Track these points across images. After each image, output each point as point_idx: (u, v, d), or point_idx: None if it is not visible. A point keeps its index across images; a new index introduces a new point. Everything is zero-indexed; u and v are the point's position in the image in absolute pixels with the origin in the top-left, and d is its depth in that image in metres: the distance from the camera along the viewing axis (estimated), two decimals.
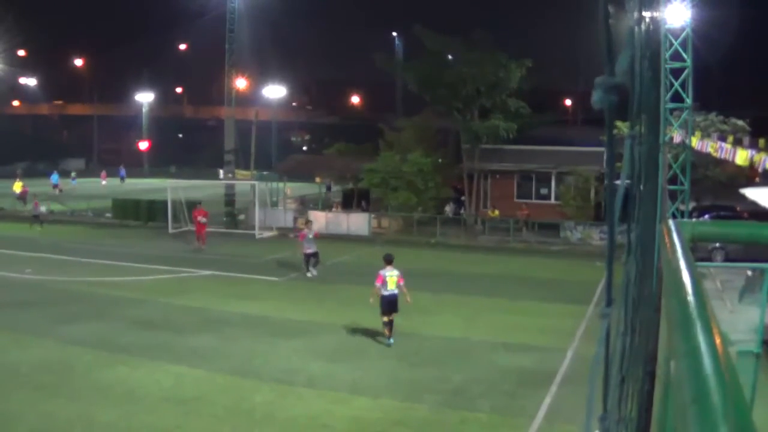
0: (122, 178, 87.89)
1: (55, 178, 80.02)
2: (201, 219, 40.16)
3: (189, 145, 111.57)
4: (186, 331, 22.87)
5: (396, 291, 20.91)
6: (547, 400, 16.54)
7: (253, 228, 46.02)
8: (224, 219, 50.34)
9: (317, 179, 58.38)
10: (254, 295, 28.59)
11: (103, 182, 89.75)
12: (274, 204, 50.09)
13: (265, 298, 27.91)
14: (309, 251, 31.51)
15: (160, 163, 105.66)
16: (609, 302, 2.55)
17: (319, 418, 15.63)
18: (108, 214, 55.36)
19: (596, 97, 2.07)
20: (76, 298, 27.70)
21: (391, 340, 20.83)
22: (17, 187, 64.32)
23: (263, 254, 38.83)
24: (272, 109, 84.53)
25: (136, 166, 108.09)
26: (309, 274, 31.29)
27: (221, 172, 60.42)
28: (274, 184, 53.70)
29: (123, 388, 17.62)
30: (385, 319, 20.97)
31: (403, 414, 15.98)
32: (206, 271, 33.11)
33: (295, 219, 48.15)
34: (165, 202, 48.83)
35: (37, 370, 18.97)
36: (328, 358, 20.02)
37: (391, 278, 20.97)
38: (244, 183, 54.18)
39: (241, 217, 50.28)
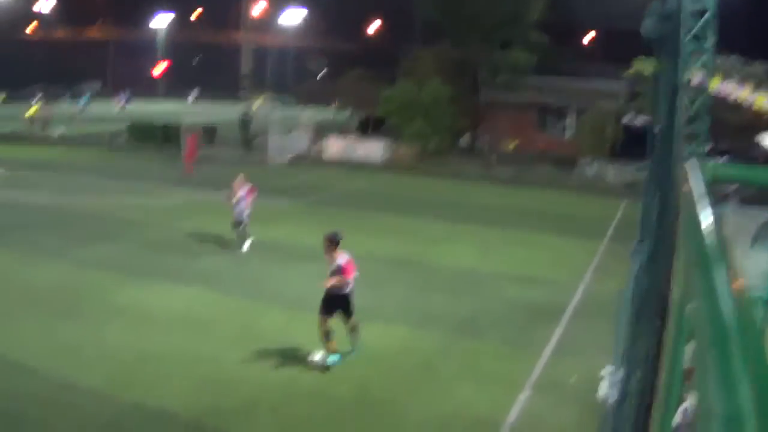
0: (125, 105, 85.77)
1: (83, 100, 79.85)
2: (193, 147, 40.21)
3: (206, 69, 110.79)
4: (198, 255, 22.94)
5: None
6: (557, 334, 16.57)
7: (269, 153, 45.91)
8: (241, 144, 50.24)
9: (334, 105, 58.15)
10: (267, 219, 28.31)
11: (118, 106, 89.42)
12: (290, 130, 49.93)
13: (279, 223, 27.97)
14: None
15: (176, 87, 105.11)
16: (642, 238, 2.57)
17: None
18: (123, 138, 55.47)
19: (648, 25, 2.06)
20: (89, 220, 27.78)
21: (337, 357, 14.51)
22: (33, 111, 64.11)
23: (278, 179, 38.63)
24: (290, 35, 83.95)
25: (152, 90, 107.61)
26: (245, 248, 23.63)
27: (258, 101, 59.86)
28: (292, 109, 53.40)
29: (135, 310, 17.72)
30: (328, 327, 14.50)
31: (413, 342, 16.06)
32: (221, 196, 33.07)
33: (311, 144, 48.04)
34: (180, 127, 48.69)
35: (49, 292, 19.08)
36: None
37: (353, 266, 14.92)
38: (261, 107, 54.06)
39: (257, 141, 50.13)
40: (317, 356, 14.21)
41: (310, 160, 45.44)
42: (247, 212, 23.43)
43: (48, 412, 12.49)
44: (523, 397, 13.21)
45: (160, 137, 51.16)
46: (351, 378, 14.05)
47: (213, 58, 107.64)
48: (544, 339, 16.18)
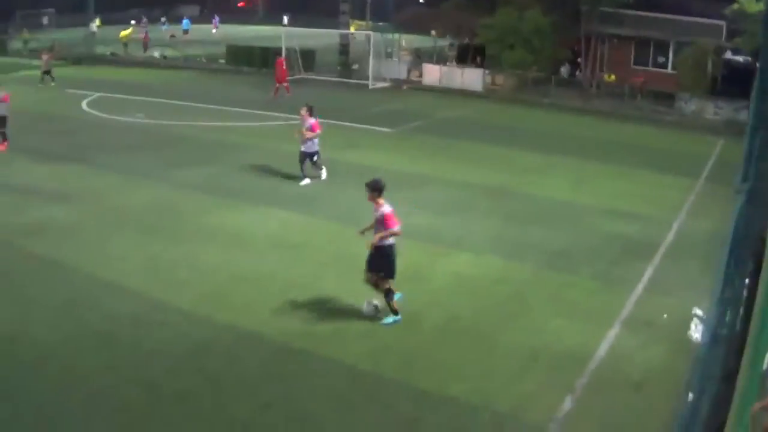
0: (185, 31, 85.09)
1: (184, 24, 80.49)
2: (282, 70, 40.46)
3: None
4: (293, 178, 23.09)
5: None
6: (648, 271, 16.38)
7: (367, 78, 45.82)
8: (338, 68, 50.10)
9: (433, 32, 57.67)
10: (364, 144, 28.74)
11: (214, 30, 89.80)
12: (389, 55, 49.73)
13: (375, 149, 28.04)
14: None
15: (274, 10, 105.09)
16: (744, 177, 2.61)
17: (420, 270, 15.85)
18: (221, 61, 55.97)
19: None
20: (186, 143, 28.34)
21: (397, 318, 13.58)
22: (126, 34, 65.02)
23: (376, 105, 38.71)
24: None
25: (249, 14, 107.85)
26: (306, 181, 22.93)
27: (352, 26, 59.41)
28: (389, 35, 53.17)
29: (229, 231, 18.13)
30: (387, 284, 13.50)
31: (505, 272, 16.07)
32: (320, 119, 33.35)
33: (409, 71, 47.90)
34: (279, 50, 48.85)
35: (144, 212, 19.65)
36: (435, 211, 20.11)
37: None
38: (359, 33, 53.93)
39: (355, 66, 50.10)
40: (372, 303, 13.59)
41: (408, 86, 45.23)
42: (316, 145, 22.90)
43: (140, 332, 12.94)
44: (612, 333, 13.17)
45: (258, 60, 51.63)
46: (442, 306, 14.19)
47: None
48: (636, 275, 16.02)
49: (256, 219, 19.07)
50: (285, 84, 40.07)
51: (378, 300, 13.59)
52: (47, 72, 43.99)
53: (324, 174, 23.19)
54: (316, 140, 22.67)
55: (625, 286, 15.48)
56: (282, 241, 17.52)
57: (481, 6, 49.93)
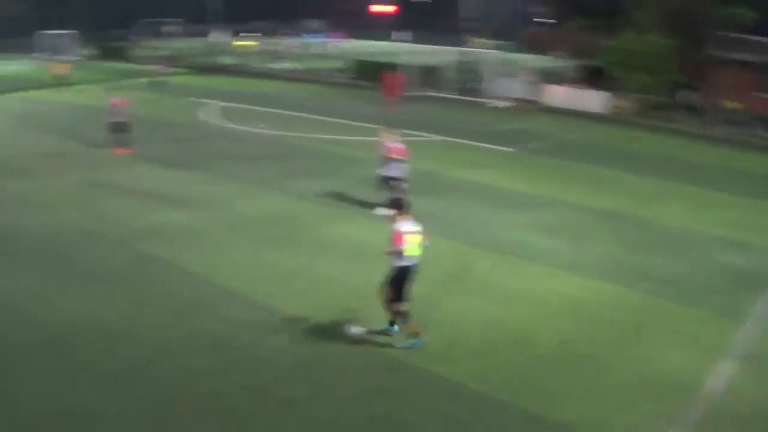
0: (313, 43, 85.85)
1: (311, 36, 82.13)
2: (394, 85, 41.00)
3: (426, 10, 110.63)
4: (413, 194, 22.75)
5: (419, 257, 13.32)
6: (764, 305, 16.08)
7: (488, 97, 45.91)
8: (459, 86, 50.28)
9: (553, 53, 57.50)
10: (484, 163, 28.78)
11: (339, 43, 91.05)
12: (510, 75, 49.74)
13: (495, 168, 28.05)
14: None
15: (398, 26, 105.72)
16: None
17: (535, 292, 15.96)
18: (342, 74, 56.91)
19: None
20: (306, 154, 28.99)
21: (419, 340, 13.36)
22: (244, 44, 66.83)
23: (496, 124, 38.77)
24: None
25: (371, 27, 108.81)
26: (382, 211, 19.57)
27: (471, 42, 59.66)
28: (511, 55, 53.08)
29: (346, 244, 18.52)
30: (399, 307, 13.26)
31: (618, 298, 16.02)
32: (438, 136, 33.73)
33: (530, 91, 47.72)
34: (394, 65, 49.23)
35: (263, 221, 20.24)
36: (551, 233, 20.14)
37: (414, 237, 13.16)
38: (481, 51, 54.11)
39: (477, 85, 50.07)
40: (354, 329, 13.57)
41: (528, 106, 45.13)
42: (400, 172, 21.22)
43: (253, 338, 13.38)
44: (723, 366, 13.02)
45: (380, 75, 52.21)
46: (554, 329, 14.27)
47: (433, 0, 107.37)
48: (751, 308, 15.79)
49: (373, 233, 19.01)
50: (394, 99, 40.70)
51: (360, 329, 13.60)
52: (157, 80, 45.76)
53: (381, 212, 19.60)
54: (398, 164, 21.27)
55: (738, 318, 15.28)
56: None
57: (603, 28, 49.66)
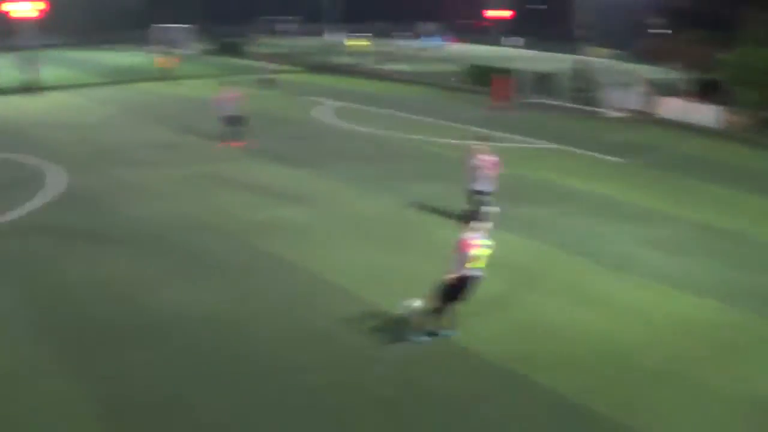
0: (427, 45, 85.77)
1: (429, 39, 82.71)
2: (502, 90, 41.25)
3: (541, 16, 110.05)
4: (524, 202, 23.44)
5: (481, 272, 13.44)
6: None
7: (602, 106, 45.64)
8: (573, 95, 50.02)
9: (669, 65, 56.76)
10: (594, 173, 28.68)
11: (453, 46, 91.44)
12: (625, 85, 49.36)
13: (606, 179, 27.89)
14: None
15: (512, 32, 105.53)
16: None
17: (642, 307, 15.91)
18: (457, 77, 57.22)
19: None
20: (417, 156, 29.52)
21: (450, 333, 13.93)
22: (355, 44, 67.90)
23: (609, 134, 38.53)
24: None
25: (489, 33, 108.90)
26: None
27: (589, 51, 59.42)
28: (626, 65, 52.60)
29: (429, 247, 18.62)
30: (440, 304, 13.53)
31: (727, 318, 15.82)
32: (551, 144, 33.76)
33: (644, 102, 47.21)
34: (516, 72, 49.77)
35: (373, 222, 20.81)
36: (660, 248, 19.91)
37: (483, 251, 13.30)
38: (597, 60, 53.86)
39: (593, 94, 49.65)
40: (408, 303, 14.07)
41: (643, 117, 44.54)
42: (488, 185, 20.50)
43: (356, 336, 13.81)
44: None
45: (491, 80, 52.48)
46: (662, 346, 14.26)
47: (548, 7, 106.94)
48: None
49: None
50: (502, 104, 40.90)
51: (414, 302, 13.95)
52: (267, 77, 47.00)
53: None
54: (487, 177, 20.48)
55: None
56: (508, 263, 17.39)
57: (719, 40, 48.84)
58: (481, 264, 13.21)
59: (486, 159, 20.52)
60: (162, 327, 14.19)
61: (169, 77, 51.45)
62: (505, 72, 50.10)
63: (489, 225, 13.83)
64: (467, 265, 13.06)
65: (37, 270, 17.17)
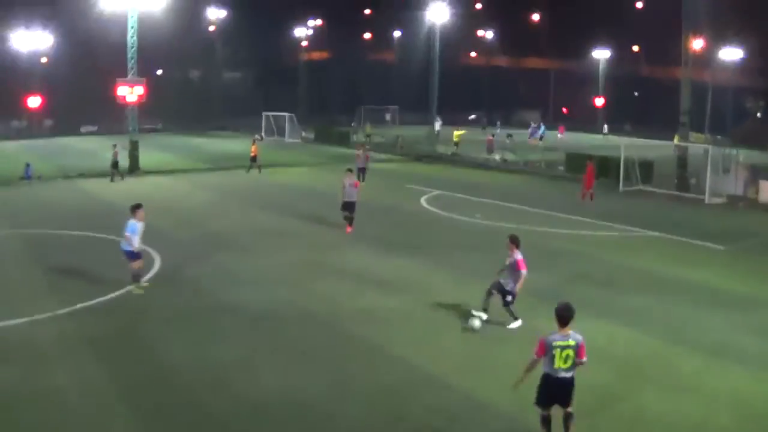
0: (540, 137, 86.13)
1: (536, 129, 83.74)
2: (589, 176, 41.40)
3: (644, 104, 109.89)
4: (624, 290, 23.20)
5: (572, 374, 12.34)
6: None
7: (704, 193, 45.18)
8: (675, 181, 49.75)
9: None
10: (694, 260, 28.25)
11: (560, 135, 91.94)
12: (726, 170, 49.11)
13: (708, 265, 27.42)
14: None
15: (614, 120, 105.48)
16: None
17: (742, 396, 15.51)
18: (561, 167, 57.73)
19: None
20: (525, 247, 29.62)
21: None
22: (457, 135, 69.30)
23: (711, 220, 38.19)
24: (728, 72, 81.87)
25: (589, 122, 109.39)
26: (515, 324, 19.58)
27: (675, 138, 59.43)
28: (727, 150, 52.24)
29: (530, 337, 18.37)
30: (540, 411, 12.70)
31: None
32: (653, 232, 33.47)
33: (745, 187, 46.49)
34: (617, 160, 49.72)
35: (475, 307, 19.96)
36: (762, 335, 19.39)
37: (565, 352, 12.18)
38: (697, 146, 53.54)
39: (693, 181, 49.48)
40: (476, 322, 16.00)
41: (742, 203, 44.17)
42: (511, 284, 19.41)
43: (456, 429, 13.60)
44: None
45: (597, 170, 52.41)
46: None
47: (650, 93, 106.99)
48: None
49: (585, 330, 17.89)
50: (590, 191, 41.34)
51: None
52: (362, 169, 47.20)
53: (515, 324, 19.46)
54: (519, 276, 19.23)
55: None
56: (606, 353, 17.16)
57: None
58: (564, 365, 12.12)
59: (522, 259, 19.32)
60: (256, 412, 14.24)
61: (254, 165, 53.11)
62: (605, 159, 50.55)
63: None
64: (554, 366, 12.10)
65: (133, 349, 17.67)
